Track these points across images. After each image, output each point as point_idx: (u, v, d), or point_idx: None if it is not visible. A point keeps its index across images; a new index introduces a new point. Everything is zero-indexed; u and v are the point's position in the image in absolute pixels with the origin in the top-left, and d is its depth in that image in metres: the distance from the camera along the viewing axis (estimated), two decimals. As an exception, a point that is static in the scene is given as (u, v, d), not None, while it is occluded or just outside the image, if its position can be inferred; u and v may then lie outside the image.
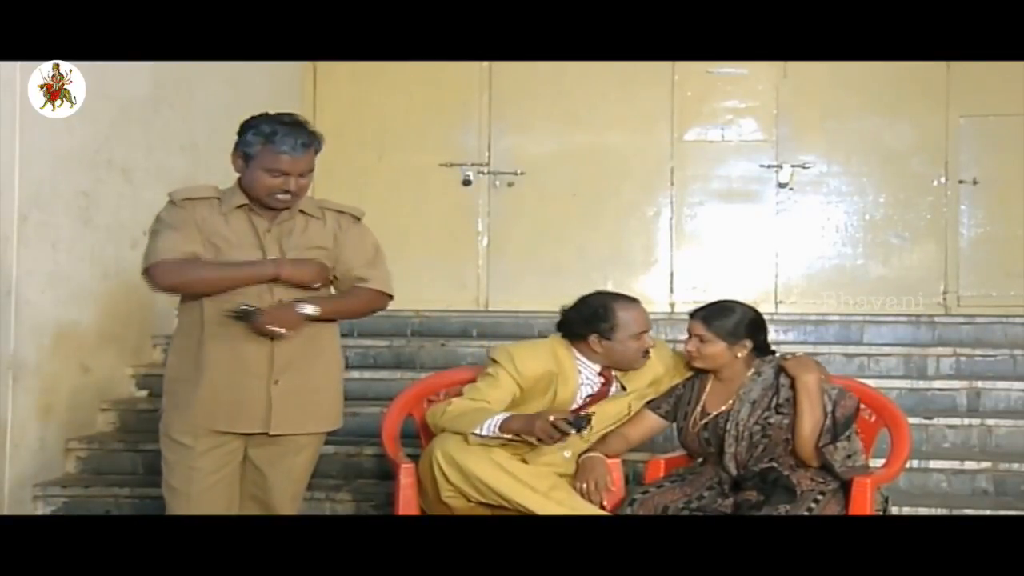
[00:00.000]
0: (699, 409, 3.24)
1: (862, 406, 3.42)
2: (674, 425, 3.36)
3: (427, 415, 3.28)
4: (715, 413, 3.21)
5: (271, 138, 2.80)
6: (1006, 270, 5.90)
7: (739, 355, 3.20)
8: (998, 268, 5.92)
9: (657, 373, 3.36)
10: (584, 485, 3.12)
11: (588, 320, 3.25)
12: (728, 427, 3.16)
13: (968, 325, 5.31)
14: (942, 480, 4.17)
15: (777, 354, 3.30)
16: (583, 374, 3.28)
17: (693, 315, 3.26)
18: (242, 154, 2.86)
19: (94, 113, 4.21)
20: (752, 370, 3.22)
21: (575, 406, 3.24)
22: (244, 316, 2.80)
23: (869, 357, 4.96)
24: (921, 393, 4.65)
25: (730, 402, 3.19)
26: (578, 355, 3.28)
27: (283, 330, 2.82)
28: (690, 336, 3.24)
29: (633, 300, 3.33)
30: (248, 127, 2.85)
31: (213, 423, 2.88)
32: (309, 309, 2.86)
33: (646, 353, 3.27)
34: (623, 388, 3.33)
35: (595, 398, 3.28)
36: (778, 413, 3.13)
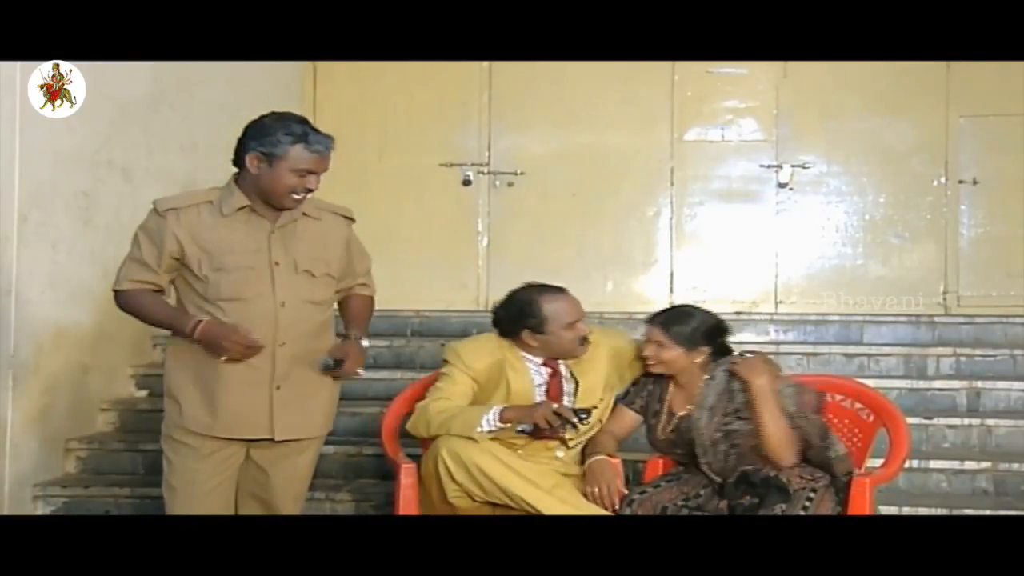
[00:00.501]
0: (666, 410, 3.24)
1: (859, 406, 3.43)
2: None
3: (409, 427, 3.27)
4: (680, 415, 3.21)
5: (305, 138, 2.80)
6: (1006, 270, 5.89)
7: (696, 361, 3.19)
8: (998, 268, 5.92)
9: (608, 370, 3.33)
10: (596, 490, 3.11)
11: (516, 317, 3.27)
12: (694, 434, 3.16)
13: (968, 325, 5.31)
14: (942, 480, 4.17)
15: (733, 354, 3.25)
16: (528, 365, 3.29)
17: (651, 320, 3.25)
18: (264, 154, 2.81)
19: (94, 113, 4.20)
20: (706, 375, 3.19)
21: (541, 396, 3.24)
22: (330, 368, 2.94)
23: (869, 357, 4.97)
24: (921, 393, 4.65)
25: (689, 407, 3.19)
26: (518, 350, 3.29)
27: (361, 372, 2.99)
28: (648, 341, 3.22)
29: (559, 290, 3.30)
30: (274, 127, 2.81)
31: (212, 430, 2.87)
32: (366, 342, 3.06)
33: (584, 340, 3.26)
34: (576, 383, 3.30)
35: (551, 388, 3.27)
36: (739, 419, 3.11)
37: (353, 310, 3.12)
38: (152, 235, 2.85)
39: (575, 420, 3.04)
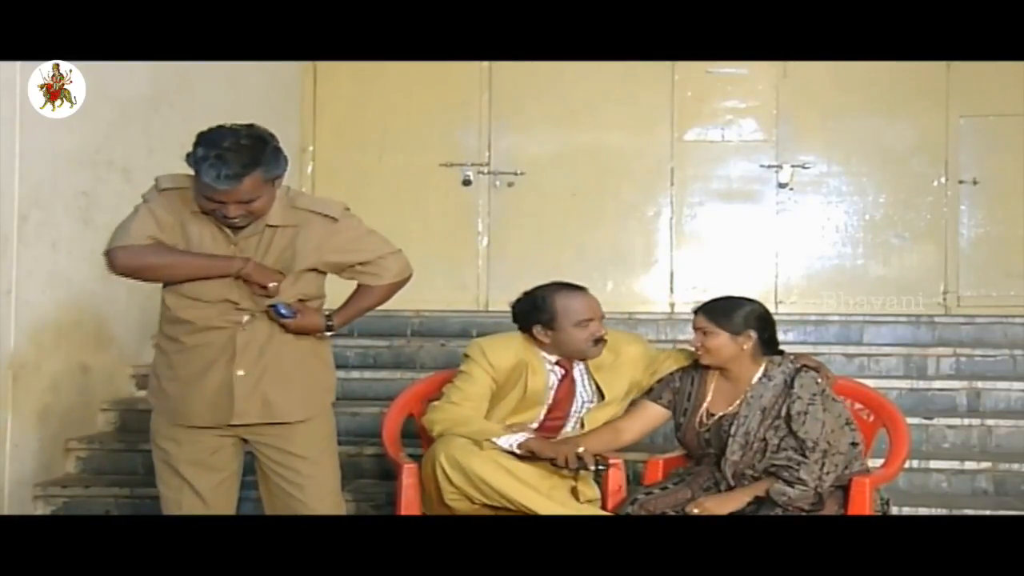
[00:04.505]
0: (704, 409, 3.22)
1: (859, 406, 3.43)
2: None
3: (424, 421, 3.29)
4: (719, 415, 3.18)
5: (200, 164, 2.65)
6: (1006, 270, 5.90)
7: (744, 347, 3.14)
8: (998, 268, 5.92)
9: (635, 377, 3.35)
10: (559, 459, 3.10)
11: (528, 312, 3.28)
12: (733, 432, 3.11)
13: (968, 325, 5.32)
14: (942, 480, 4.17)
15: (788, 356, 3.23)
16: (546, 365, 3.29)
17: (697, 310, 3.23)
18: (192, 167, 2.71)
19: (94, 113, 4.20)
20: (761, 372, 3.17)
21: (549, 401, 3.28)
22: (281, 315, 2.80)
23: (869, 357, 4.97)
24: (921, 393, 4.65)
25: (737, 403, 3.16)
26: (537, 349, 3.30)
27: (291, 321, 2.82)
28: (695, 330, 3.21)
29: (577, 288, 3.31)
30: (197, 141, 2.69)
31: (174, 417, 2.84)
32: (332, 323, 2.91)
33: (598, 341, 3.24)
34: (601, 396, 3.31)
35: (561, 391, 3.28)
36: (791, 431, 3.05)
37: (352, 296, 3.01)
38: (152, 207, 2.77)
39: (592, 467, 3.09)
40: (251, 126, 2.74)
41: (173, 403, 2.86)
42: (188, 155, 2.69)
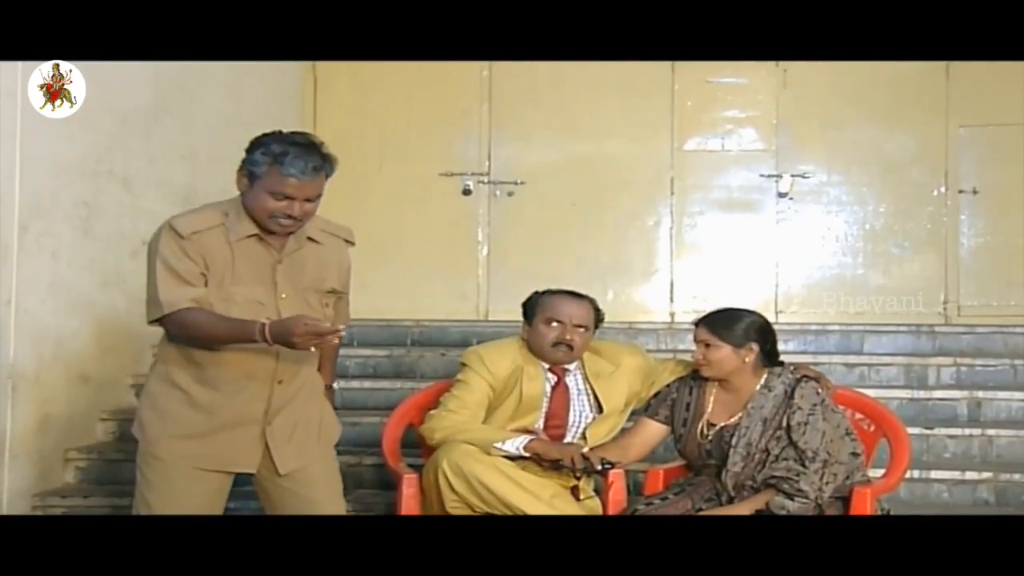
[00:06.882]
0: (704, 420, 3.21)
1: (860, 416, 3.42)
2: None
3: (423, 430, 3.29)
4: (720, 426, 3.18)
5: (280, 159, 2.63)
6: (1006, 280, 5.90)
7: (746, 359, 3.15)
8: (998, 278, 5.92)
9: (633, 388, 3.36)
10: (561, 459, 3.11)
11: (524, 307, 3.37)
12: (735, 443, 3.11)
13: (968, 335, 5.32)
14: (943, 490, 4.16)
15: (788, 366, 3.24)
16: (541, 372, 3.32)
17: (698, 322, 3.23)
18: (248, 173, 2.68)
19: (95, 123, 4.22)
20: (762, 383, 3.17)
21: (545, 407, 3.29)
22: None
23: (870, 367, 4.97)
24: (922, 403, 4.65)
25: (738, 415, 3.15)
26: (531, 353, 3.34)
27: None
28: (696, 343, 3.21)
29: (572, 296, 3.34)
30: (257, 145, 2.68)
31: (198, 461, 2.79)
32: (336, 385, 3.12)
33: (558, 344, 3.26)
34: (600, 408, 3.33)
35: (555, 399, 3.30)
36: (791, 442, 3.05)
37: (326, 351, 3.00)
38: (178, 257, 2.67)
39: (597, 467, 3.11)
40: (303, 133, 2.78)
41: (197, 446, 2.79)
42: (258, 156, 2.66)
